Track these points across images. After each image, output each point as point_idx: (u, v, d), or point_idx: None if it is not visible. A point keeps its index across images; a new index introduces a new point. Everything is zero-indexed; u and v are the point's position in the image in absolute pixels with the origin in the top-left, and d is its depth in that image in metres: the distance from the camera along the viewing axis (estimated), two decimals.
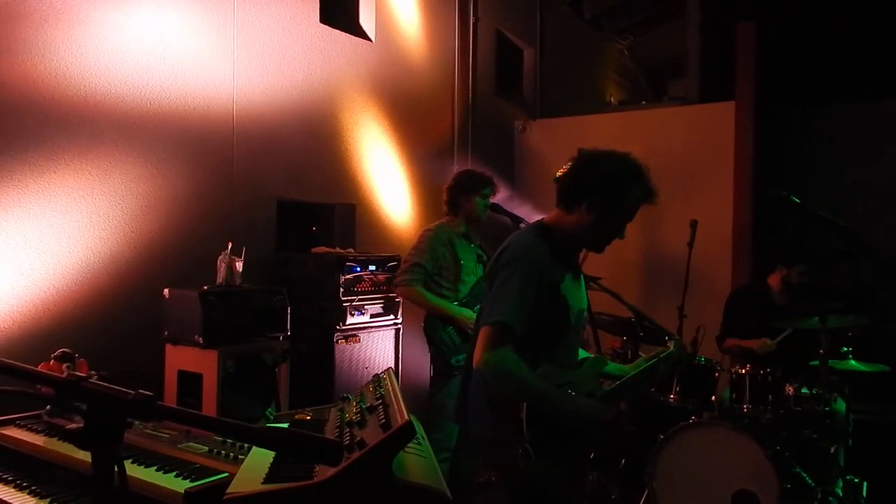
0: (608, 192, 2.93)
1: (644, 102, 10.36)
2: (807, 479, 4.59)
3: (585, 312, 3.17)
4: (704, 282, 6.79)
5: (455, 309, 4.93)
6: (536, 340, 2.87)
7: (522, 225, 4.70)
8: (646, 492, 4.73)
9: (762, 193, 7.12)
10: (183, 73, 4.90)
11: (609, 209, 2.95)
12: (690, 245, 6.42)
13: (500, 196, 5.37)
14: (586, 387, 3.05)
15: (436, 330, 4.95)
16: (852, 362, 4.74)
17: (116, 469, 1.33)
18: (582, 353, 3.27)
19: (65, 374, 1.38)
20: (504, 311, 2.81)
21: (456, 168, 7.28)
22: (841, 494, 4.72)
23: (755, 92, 7.27)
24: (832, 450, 4.80)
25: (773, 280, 5.67)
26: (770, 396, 4.75)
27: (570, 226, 3.00)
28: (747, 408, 4.77)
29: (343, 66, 6.26)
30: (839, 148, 7.91)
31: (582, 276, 3.21)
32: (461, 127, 7.90)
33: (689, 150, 7.51)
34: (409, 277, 4.99)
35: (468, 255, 5.12)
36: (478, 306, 4.78)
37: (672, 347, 3.45)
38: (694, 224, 6.46)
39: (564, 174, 3.05)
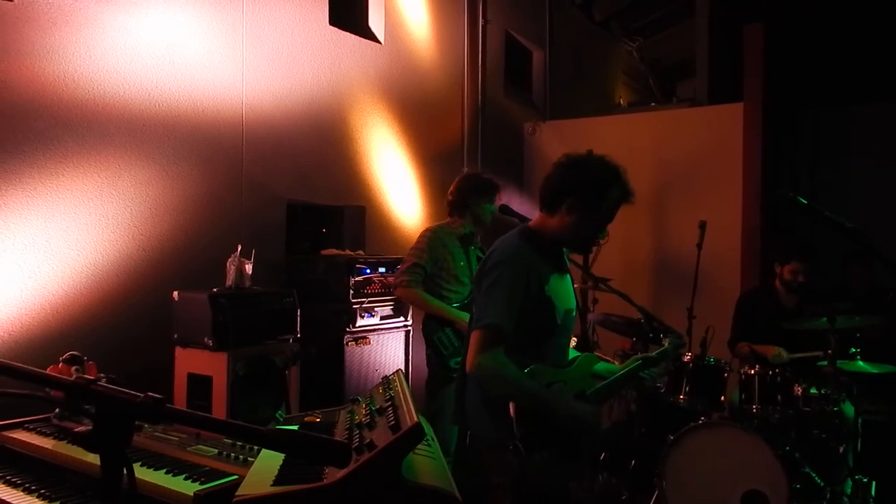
0: (587, 192, 3.00)
1: (653, 104, 10.32)
2: (816, 478, 4.58)
3: (574, 312, 3.19)
4: (713, 283, 6.78)
5: (453, 311, 4.84)
6: (524, 341, 2.92)
7: None
8: (655, 492, 4.74)
9: (770, 194, 7.11)
10: (192, 75, 4.91)
11: (589, 209, 3.02)
12: (699, 246, 6.42)
13: (510, 198, 5.33)
14: (577, 385, 3.09)
15: (433, 331, 4.87)
16: (860, 363, 4.72)
17: (125, 472, 1.33)
18: (572, 353, 3.30)
19: (73, 378, 1.38)
20: (493, 313, 2.86)
21: (466, 170, 7.26)
22: (850, 494, 4.71)
23: (764, 93, 7.25)
24: (841, 450, 4.80)
25: (777, 281, 5.65)
26: (779, 397, 4.73)
27: (553, 228, 3.07)
28: (756, 408, 4.76)
29: (352, 68, 6.27)
30: (849, 148, 7.90)
31: (569, 276, 3.25)
32: (471, 129, 7.90)
33: (697, 151, 7.48)
34: (407, 279, 4.88)
35: (466, 256, 5.04)
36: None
37: (666, 344, 3.55)
38: (703, 225, 6.46)
39: (546, 178, 3.13)
